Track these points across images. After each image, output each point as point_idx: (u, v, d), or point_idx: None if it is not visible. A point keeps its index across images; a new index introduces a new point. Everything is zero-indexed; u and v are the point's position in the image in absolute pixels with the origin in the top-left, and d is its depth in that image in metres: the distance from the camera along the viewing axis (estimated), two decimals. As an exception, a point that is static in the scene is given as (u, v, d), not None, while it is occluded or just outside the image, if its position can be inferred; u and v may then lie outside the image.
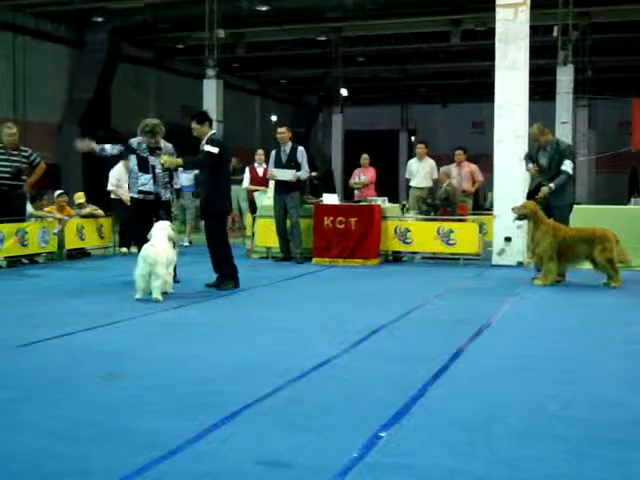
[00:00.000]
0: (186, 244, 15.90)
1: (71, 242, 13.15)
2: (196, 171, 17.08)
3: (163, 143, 9.97)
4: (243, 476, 3.48)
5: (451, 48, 25.08)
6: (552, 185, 9.96)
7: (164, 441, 3.84)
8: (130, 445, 3.82)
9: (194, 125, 9.47)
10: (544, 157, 10.16)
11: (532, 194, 10.22)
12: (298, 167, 12.47)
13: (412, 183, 15.36)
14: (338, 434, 4.00)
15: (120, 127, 21.48)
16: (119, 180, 13.81)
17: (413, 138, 34.11)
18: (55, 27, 21.91)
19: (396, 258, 13.04)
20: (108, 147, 9.81)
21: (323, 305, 8.51)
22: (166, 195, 9.94)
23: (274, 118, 32.52)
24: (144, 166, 9.74)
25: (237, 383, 5.03)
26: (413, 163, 15.59)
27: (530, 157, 10.47)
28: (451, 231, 12.47)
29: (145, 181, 9.72)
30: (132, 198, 9.96)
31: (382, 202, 13.10)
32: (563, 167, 10.09)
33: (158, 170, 9.76)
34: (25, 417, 4.28)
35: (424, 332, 6.92)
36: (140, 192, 9.77)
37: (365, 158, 15.96)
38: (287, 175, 12.42)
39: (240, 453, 3.70)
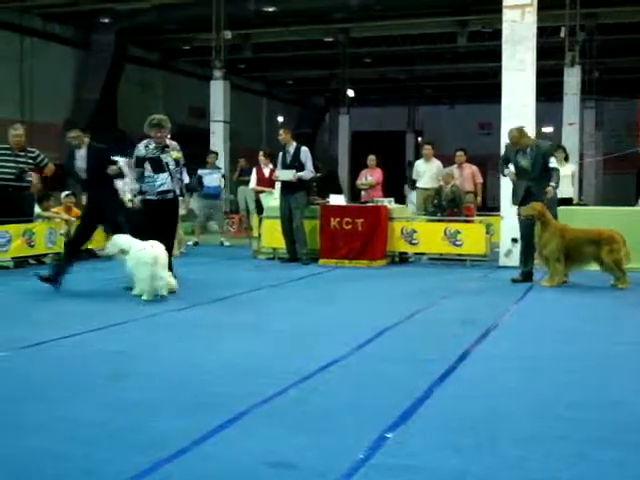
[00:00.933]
0: (190, 243, 15.94)
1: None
2: (222, 171, 17.14)
3: (169, 141, 10.04)
4: (248, 477, 3.47)
5: (458, 49, 25.06)
6: (553, 184, 10.04)
7: (169, 442, 3.83)
8: (135, 446, 3.82)
9: (74, 134, 9.55)
10: (525, 159, 10.18)
11: (525, 198, 10.19)
12: (302, 167, 12.48)
13: (419, 184, 15.37)
14: (344, 435, 3.99)
15: (127, 128, 21.50)
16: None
17: (420, 139, 34.08)
18: (62, 28, 21.96)
19: (403, 259, 13.04)
20: (125, 169, 10.10)
21: (329, 306, 8.50)
22: (178, 191, 10.05)
23: (280, 119, 32.54)
24: (159, 166, 9.77)
25: (243, 384, 5.03)
26: (420, 164, 15.59)
27: (507, 160, 10.51)
28: (458, 232, 12.46)
29: (163, 180, 9.76)
30: (150, 201, 9.96)
31: (389, 203, 13.09)
32: (553, 165, 10.23)
33: (172, 167, 9.85)
34: (30, 417, 4.28)
35: (430, 333, 6.91)
36: (159, 193, 9.83)
37: (372, 159, 15.97)
38: (288, 175, 12.44)
39: (246, 454, 3.70)
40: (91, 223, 9.63)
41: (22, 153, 11.98)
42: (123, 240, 8.67)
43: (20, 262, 11.90)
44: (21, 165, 11.89)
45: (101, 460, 3.62)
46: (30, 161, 12.04)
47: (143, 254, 8.38)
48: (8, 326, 7.13)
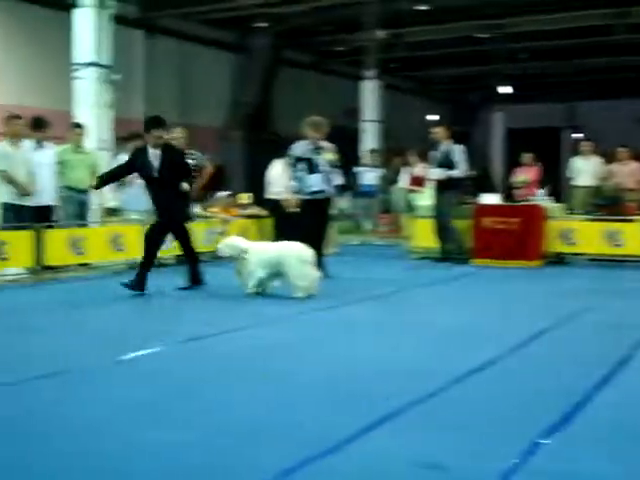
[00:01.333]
0: (356, 242, 16.23)
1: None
2: (378, 170, 17.08)
3: (325, 143, 10.31)
4: (397, 478, 3.46)
5: (617, 42, 24.10)
6: None
7: (320, 439, 3.88)
8: (287, 442, 3.88)
9: (161, 133, 9.10)
10: None
11: None
12: (454, 166, 12.32)
13: (576, 182, 14.91)
14: (498, 438, 3.92)
15: (281, 130, 21.92)
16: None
17: (577, 135, 33.04)
18: (220, 33, 22.60)
19: (560, 260, 12.65)
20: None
21: (482, 306, 8.37)
22: (330, 192, 10.24)
23: (434, 117, 32.32)
24: (311, 167, 10.14)
25: (395, 383, 5.02)
26: (577, 161, 15.13)
27: None
28: (619, 231, 11.99)
29: (314, 181, 10.13)
30: (303, 200, 10.26)
31: (545, 202, 12.76)
32: None
33: (324, 168, 10.14)
34: (186, 412, 4.43)
35: (589, 336, 6.69)
36: (311, 193, 10.15)
37: (527, 156, 15.62)
38: (439, 174, 12.31)
39: (396, 454, 3.69)
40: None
41: (183, 155, 12.42)
42: (239, 241, 8.84)
43: (181, 260, 12.32)
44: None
45: (251, 455, 3.70)
46: (190, 163, 12.46)
47: (302, 253, 8.53)
48: (171, 321, 7.42)
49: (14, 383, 5.00)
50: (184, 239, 9.41)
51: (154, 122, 9.11)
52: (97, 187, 9.62)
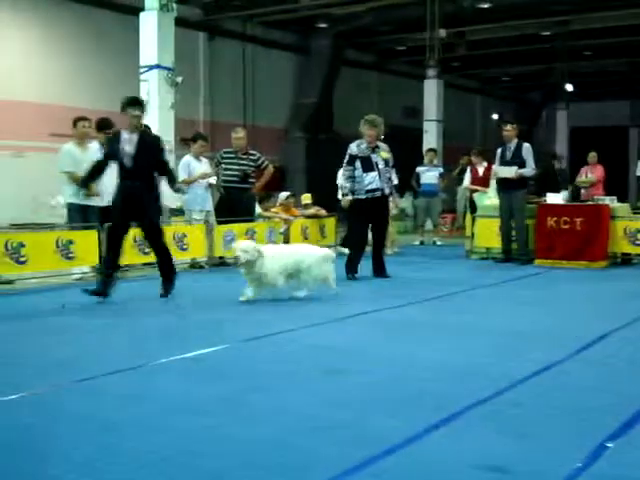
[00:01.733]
0: (417, 242, 16.26)
1: (296, 241, 13.58)
2: (440, 170, 17.03)
3: (380, 142, 10.34)
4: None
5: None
6: None
7: (382, 439, 3.88)
8: (349, 441, 3.89)
9: (139, 112, 8.42)
10: None
11: None
12: (523, 164, 12.19)
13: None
14: (560, 442, 3.87)
15: (342, 130, 21.97)
16: None
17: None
18: (281, 34, 22.75)
19: (625, 261, 12.44)
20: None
21: (546, 308, 8.27)
22: (387, 190, 10.23)
23: (495, 116, 32.03)
24: (368, 165, 10.16)
25: (456, 384, 5.00)
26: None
27: None
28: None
29: (371, 179, 10.18)
30: (358, 200, 10.26)
31: (610, 201, 12.55)
32: None
33: (381, 166, 10.17)
34: (256, 408, 4.47)
35: (655, 339, 6.57)
36: (367, 192, 10.17)
37: (592, 156, 15.42)
38: (509, 172, 12.18)
39: (458, 456, 3.67)
40: (126, 221, 8.54)
41: (244, 156, 12.55)
42: (251, 244, 8.45)
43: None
44: (244, 167, 12.46)
45: (317, 452, 3.74)
46: (251, 163, 12.58)
47: (328, 253, 8.64)
48: (231, 323, 7.49)
49: (87, 378, 5.12)
50: (156, 238, 8.72)
51: (130, 101, 8.47)
52: (82, 186, 9.10)
